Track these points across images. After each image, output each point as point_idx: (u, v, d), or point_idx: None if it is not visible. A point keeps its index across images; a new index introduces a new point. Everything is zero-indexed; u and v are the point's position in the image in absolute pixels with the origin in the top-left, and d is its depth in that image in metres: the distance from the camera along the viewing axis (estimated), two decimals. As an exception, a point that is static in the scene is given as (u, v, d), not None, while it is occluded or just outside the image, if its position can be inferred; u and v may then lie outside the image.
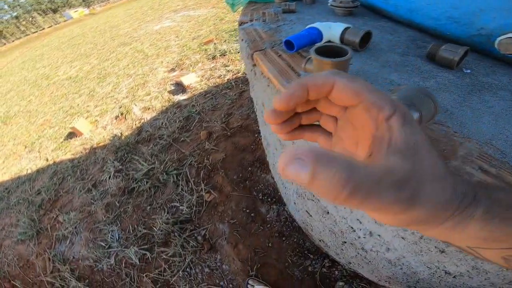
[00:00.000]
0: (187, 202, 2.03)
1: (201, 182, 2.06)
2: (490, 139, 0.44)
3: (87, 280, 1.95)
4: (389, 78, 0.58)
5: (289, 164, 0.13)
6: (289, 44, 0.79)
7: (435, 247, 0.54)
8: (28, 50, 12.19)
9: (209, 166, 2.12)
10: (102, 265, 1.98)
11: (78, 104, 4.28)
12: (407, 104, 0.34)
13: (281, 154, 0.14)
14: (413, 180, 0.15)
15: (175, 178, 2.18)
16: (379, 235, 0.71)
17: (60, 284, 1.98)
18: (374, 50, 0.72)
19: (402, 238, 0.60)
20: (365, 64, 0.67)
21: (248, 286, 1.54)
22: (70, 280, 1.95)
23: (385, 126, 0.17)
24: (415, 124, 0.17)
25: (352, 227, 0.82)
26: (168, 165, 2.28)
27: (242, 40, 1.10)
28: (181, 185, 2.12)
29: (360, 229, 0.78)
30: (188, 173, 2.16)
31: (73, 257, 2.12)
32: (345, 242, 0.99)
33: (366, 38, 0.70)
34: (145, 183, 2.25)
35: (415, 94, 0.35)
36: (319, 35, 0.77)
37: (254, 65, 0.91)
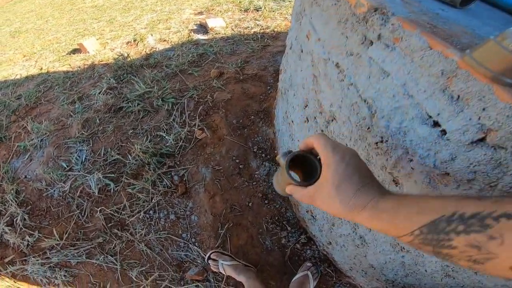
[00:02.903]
0: (175, 134, 1.73)
1: (197, 117, 1.77)
2: None
3: (29, 207, 1.65)
4: (493, 34, 0.49)
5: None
6: None
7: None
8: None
9: (210, 103, 1.82)
10: (54, 191, 1.68)
11: (94, 28, 4.01)
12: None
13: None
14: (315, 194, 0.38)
15: (170, 106, 1.88)
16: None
17: (-1, 209, 1.68)
18: (472, 13, 0.67)
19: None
20: (459, 16, 0.61)
21: (210, 261, 1.26)
22: (11, 204, 1.64)
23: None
24: (333, 165, 0.35)
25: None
26: (167, 92, 1.98)
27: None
28: (174, 115, 1.83)
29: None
30: (186, 104, 1.86)
31: (25, 176, 1.81)
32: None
33: None
34: (136, 104, 1.95)
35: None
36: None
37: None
